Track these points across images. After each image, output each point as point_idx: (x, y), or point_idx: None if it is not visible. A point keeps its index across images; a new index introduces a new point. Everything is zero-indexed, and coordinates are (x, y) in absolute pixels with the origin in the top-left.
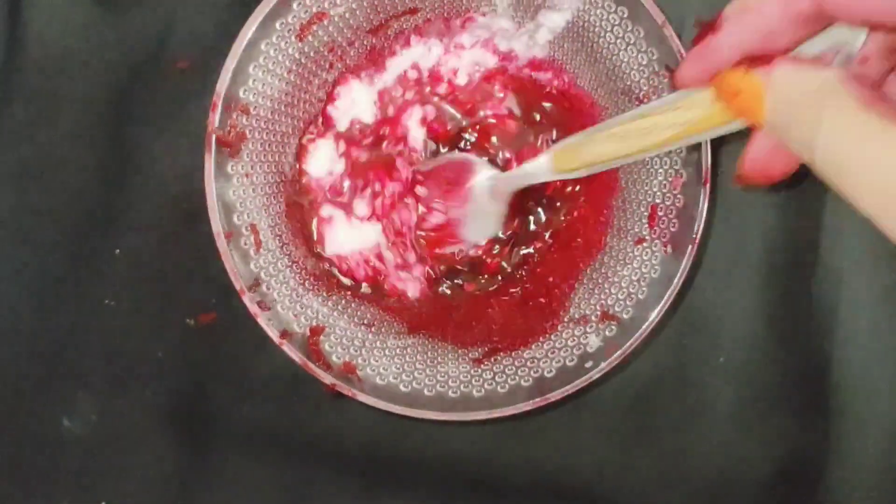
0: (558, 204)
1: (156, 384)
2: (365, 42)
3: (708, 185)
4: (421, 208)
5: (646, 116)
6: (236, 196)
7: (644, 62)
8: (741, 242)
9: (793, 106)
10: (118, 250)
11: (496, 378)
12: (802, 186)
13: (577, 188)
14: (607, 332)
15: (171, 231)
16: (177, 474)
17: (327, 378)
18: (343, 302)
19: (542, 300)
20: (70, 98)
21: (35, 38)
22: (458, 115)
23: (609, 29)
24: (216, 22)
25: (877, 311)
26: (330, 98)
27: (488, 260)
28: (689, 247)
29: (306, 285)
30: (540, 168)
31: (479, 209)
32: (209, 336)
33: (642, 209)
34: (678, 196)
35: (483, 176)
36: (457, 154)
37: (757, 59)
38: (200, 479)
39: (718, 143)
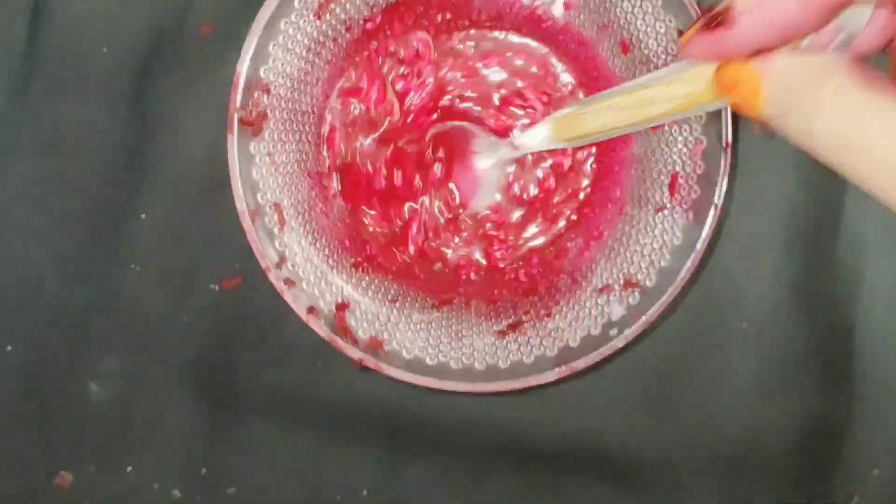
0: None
1: (181, 349)
2: (380, 19)
3: (729, 151)
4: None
5: (646, 87)
6: (259, 175)
7: (662, 31)
8: (763, 208)
9: (790, 93)
10: (144, 215)
11: (521, 349)
12: None
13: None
14: (630, 300)
15: (197, 197)
16: (202, 438)
17: (355, 353)
18: (367, 278)
19: (564, 272)
20: (95, 64)
21: (60, 4)
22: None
23: None
24: None
25: None
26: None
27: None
28: (711, 213)
29: (330, 262)
30: (539, 136)
31: (481, 176)
32: (234, 301)
33: (662, 178)
34: (699, 163)
35: (482, 143)
36: (455, 123)
37: (759, 51)
38: (225, 444)
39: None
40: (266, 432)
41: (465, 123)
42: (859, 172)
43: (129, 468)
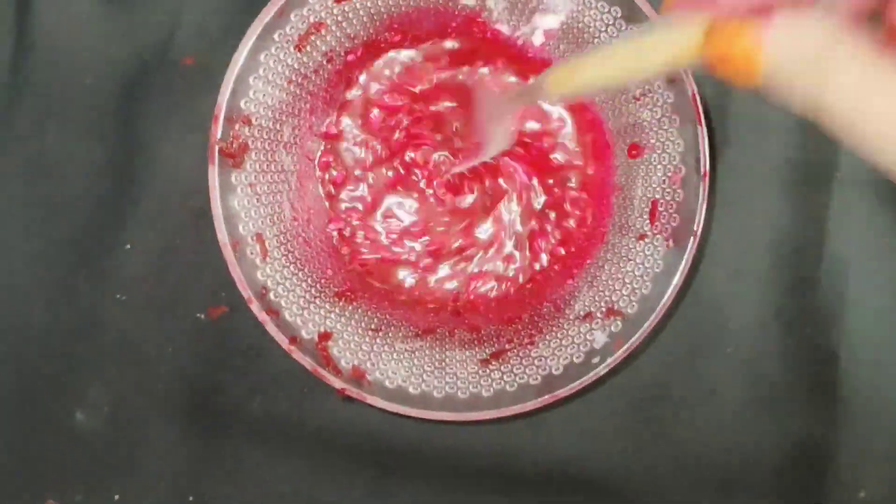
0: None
1: (167, 378)
2: (361, 51)
3: (707, 180)
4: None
5: (640, 36)
6: (241, 206)
7: None
8: (748, 231)
9: (796, 63)
10: (129, 245)
11: (504, 377)
12: (809, 175)
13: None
14: (613, 328)
15: (181, 225)
16: (189, 467)
17: (337, 383)
18: (350, 307)
19: (547, 300)
20: (79, 93)
21: (44, 33)
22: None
23: (603, 29)
24: (222, 17)
25: (884, 299)
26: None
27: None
28: (691, 241)
29: (314, 291)
30: (536, 87)
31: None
32: (220, 329)
33: (643, 205)
34: (678, 191)
35: (485, 96)
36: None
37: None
38: (212, 472)
39: (717, 137)
40: (253, 459)
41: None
42: (869, 144)
43: (116, 496)
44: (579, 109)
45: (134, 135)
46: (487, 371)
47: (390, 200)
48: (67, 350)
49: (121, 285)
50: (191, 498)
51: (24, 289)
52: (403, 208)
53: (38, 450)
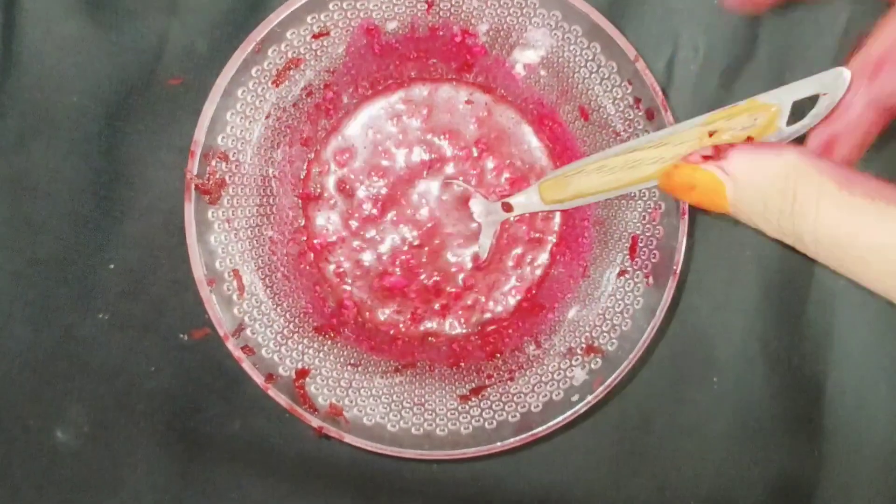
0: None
1: (148, 397)
2: (342, 84)
3: (686, 217)
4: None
5: (633, 151)
6: (218, 242)
7: (619, 95)
8: (735, 263)
9: (760, 193)
10: (112, 265)
11: (483, 414)
12: None
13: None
14: (592, 366)
15: (164, 245)
16: (168, 487)
17: (314, 421)
18: (329, 342)
19: (528, 335)
20: (64, 112)
21: (30, 51)
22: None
23: (583, 64)
24: (209, 38)
25: (870, 333)
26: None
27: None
28: (671, 279)
29: (292, 327)
30: (529, 199)
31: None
32: (202, 351)
33: (623, 240)
34: (657, 227)
35: (474, 205)
36: (452, 181)
37: (709, 155)
38: (192, 493)
39: None
40: (232, 482)
41: (462, 183)
42: (866, 276)
43: None
44: (556, 141)
45: (118, 154)
46: (467, 407)
47: (370, 236)
48: (49, 368)
49: (103, 304)
50: None
51: (6, 306)
52: (383, 245)
53: (17, 469)
